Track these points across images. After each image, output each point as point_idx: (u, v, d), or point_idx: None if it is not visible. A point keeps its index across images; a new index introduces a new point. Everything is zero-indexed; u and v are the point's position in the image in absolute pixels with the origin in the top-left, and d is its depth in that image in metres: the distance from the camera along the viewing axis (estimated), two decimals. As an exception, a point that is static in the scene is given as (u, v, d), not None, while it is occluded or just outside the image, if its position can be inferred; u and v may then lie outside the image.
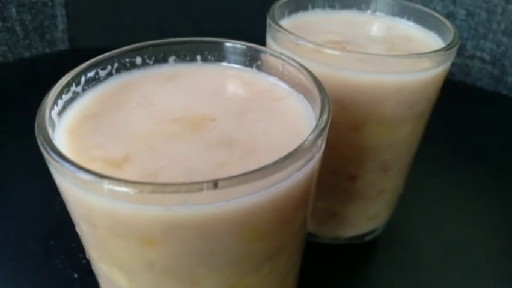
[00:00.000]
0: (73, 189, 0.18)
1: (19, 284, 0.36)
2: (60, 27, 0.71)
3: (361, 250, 0.40)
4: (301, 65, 0.25)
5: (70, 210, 0.21)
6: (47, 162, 0.19)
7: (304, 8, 0.37)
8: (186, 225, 0.18)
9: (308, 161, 0.20)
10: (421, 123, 0.33)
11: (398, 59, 0.28)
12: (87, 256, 0.25)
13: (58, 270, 0.37)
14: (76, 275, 0.37)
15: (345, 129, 0.31)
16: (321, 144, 0.20)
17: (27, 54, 0.69)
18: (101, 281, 0.25)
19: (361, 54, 0.28)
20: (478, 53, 0.68)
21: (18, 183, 0.46)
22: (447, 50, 0.29)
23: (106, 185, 0.17)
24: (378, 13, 0.38)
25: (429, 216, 0.44)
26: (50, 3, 0.69)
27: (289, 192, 0.19)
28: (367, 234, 0.40)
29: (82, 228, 0.20)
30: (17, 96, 0.59)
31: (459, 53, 0.70)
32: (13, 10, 0.66)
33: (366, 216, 0.38)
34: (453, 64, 0.70)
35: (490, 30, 0.67)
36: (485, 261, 0.40)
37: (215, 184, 0.16)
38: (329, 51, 0.28)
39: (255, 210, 0.19)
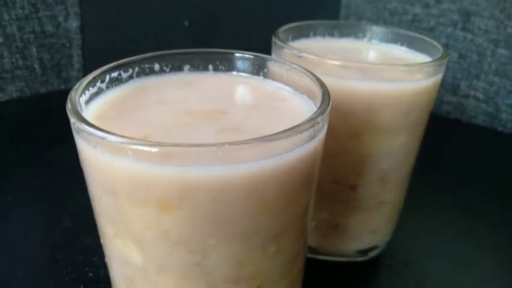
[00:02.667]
0: (99, 156, 0.20)
1: (26, 294, 0.37)
2: (76, 66, 0.75)
3: (363, 268, 0.41)
4: (304, 68, 0.28)
5: (92, 184, 0.23)
6: (76, 134, 0.21)
7: (306, 35, 0.41)
8: (200, 187, 0.20)
9: (311, 138, 0.22)
10: (417, 133, 0.35)
11: (391, 67, 0.31)
12: (101, 241, 0.26)
13: (65, 282, 0.38)
14: (82, 287, 0.38)
15: (345, 136, 0.33)
16: (323, 125, 0.23)
17: (43, 90, 0.73)
18: (113, 266, 0.26)
19: (358, 63, 0.31)
20: (472, 92, 0.72)
21: (30, 204, 0.48)
22: (436, 61, 0.32)
23: (130, 145, 0.19)
24: (373, 40, 0.41)
25: (431, 235, 0.45)
26: (68, 44, 0.74)
27: (293, 166, 0.21)
28: (369, 249, 0.40)
29: (102, 199, 0.22)
30: (32, 128, 0.62)
31: (454, 93, 0.74)
32: (34, 50, 0.71)
33: (368, 229, 0.39)
34: (449, 103, 0.74)
35: (481, 71, 0.71)
36: (488, 280, 0.40)
37: (224, 144, 0.18)
38: (328, 61, 0.31)
39: (261, 178, 0.20)
